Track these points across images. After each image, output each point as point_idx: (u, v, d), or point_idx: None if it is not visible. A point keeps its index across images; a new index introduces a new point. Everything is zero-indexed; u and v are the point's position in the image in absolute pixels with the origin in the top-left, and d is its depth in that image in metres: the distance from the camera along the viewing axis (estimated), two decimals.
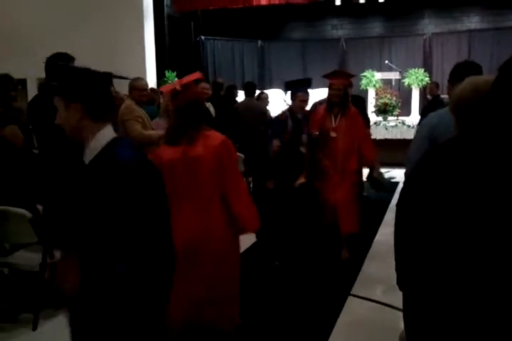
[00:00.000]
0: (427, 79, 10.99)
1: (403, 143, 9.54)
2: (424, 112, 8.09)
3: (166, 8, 10.99)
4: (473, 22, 12.59)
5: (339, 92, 4.54)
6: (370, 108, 10.45)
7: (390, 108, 10.43)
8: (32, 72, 4.78)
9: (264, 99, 7.98)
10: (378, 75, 11.19)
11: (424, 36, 12.84)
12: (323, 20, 13.73)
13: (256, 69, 13.87)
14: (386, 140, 9.63)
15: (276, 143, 4.49)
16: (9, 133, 3.55)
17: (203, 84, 5.54)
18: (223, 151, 2.86)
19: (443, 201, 1.09)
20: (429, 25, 12.99)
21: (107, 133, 1.83)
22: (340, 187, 4.58)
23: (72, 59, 3.69)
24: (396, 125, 9.97)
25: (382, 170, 9.02)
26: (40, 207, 3.67)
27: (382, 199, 6.92)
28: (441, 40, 12.75)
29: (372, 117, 9.93)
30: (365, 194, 6.66)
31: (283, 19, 13.55)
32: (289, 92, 5.24)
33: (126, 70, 4.96)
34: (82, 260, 1.82)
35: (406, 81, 11.14)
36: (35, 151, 3.99)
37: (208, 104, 5.33)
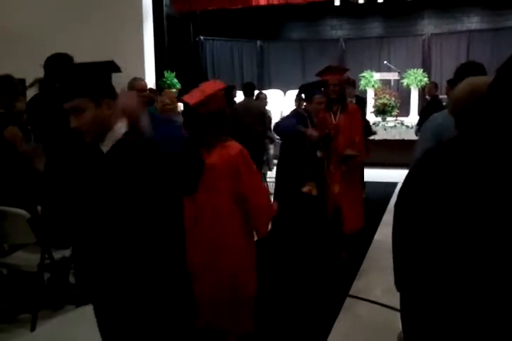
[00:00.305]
0: (426, 79, 10.99)
1: (402, 143, 9.56)
2: (423, 113, 8.09)
3: (165, 8, 10.98)
4: (472, 22, 12.60)
5: (335, 88, 4.51)
6: (369, 108, 10.45)
7: (389, 108, 10.43)
8: (31, 72, 4.76)
9: (262, 100, 7.98)
10: (377, 76, 11.20)
11: (424, 36, 12.85)
12: (323, 21, 13.75)
13: (255, 69, 13.88)
14: (385, 140, 9.64)
15: (311, 131, 4.28)
16: (10, 134, 3.55)
17: None
18: (239, 161, 2.90)
19: (441, 202, 1.09)
20: (429, 26, 13.00)
21: (123, 125, 1.87)
22: (342, 185, 4.55)
23: (71, 59, 3.68)
24: (395, 125, 9.98)
25: (379, 170, 9.05)
26: (39, 208, 3.67)
27: (381, 200, 6.93)
28: (441, 40, 12.77)
29: (371, 118, 9.93)
30: (364, 196, 6.64)
31: (282, 19, 13.56)
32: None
33: (125, 70, 4.95)
34: (100, 252, 1.85)
35: (405, 81, 11.14)
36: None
37: None
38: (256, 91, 7.65)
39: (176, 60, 11.38)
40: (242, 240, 3.00)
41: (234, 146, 2.93)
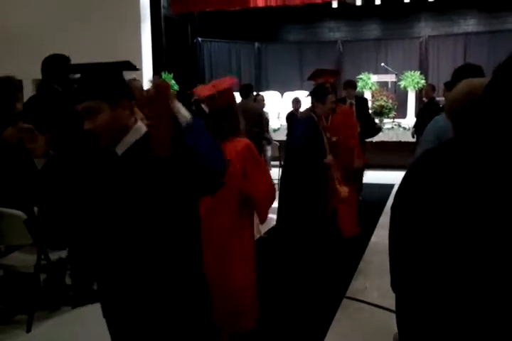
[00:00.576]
0: (423, 81, 11.03)
1: (399, 145, 9.58)
2: (419, 115, 8.10)
3: (162, 9, 10.98)
4: (469, 25, 12.64)
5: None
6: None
7: (386, 110, 10.46)
8: (31, 72, 4.76)
9: (260, 101, 7.99)
10: (374, 78, 11.22)
11: (421, 39, 12.88)
12: (320, 23, 13.77)
13: (253, 71, 13.89)
14: (382, 142, 9.66)
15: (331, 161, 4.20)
16: (9, 134, 3.54)
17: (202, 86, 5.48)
18: (246, 155, 2.92)
19: (437, 204, 1.09)
20: (426, 28, 13.03)
21: (142, 125, 1.79)
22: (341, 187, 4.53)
23: (68, 60, 3.68)
24: (392, 127, 10.01)
25: (376, 172, 9.05)
26: (35, 209, 3.66)
27: (377, 202, 6.93)
28: (438, 42, 12.80)
29: None
30: (360, 198, 6.65)
31: (280, 21, 13.57)
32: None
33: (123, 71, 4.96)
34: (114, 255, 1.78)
35: (402, 83, 11.17)
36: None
37: (205, 106, 5.32)
38: (253, 93, 7.66)
39: (174, 62, 11.38)
40: (245, 232, 3.03)
41: (241, 142, 2.95)
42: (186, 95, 6.65)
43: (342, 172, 4.42)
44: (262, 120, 7.20)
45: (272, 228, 6.01)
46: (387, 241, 1.36)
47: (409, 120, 10.39)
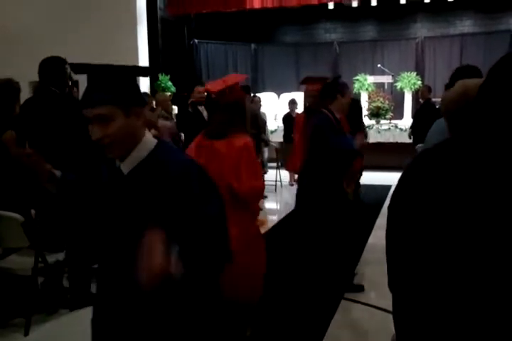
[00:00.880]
0: (420, 82, 11.05)
1: (396, 146, 9.60)
2: (416, 116, 8.12)
3: (159, 11, 10.98)
4: (465, 26, 12.68)
5: (311, 98, 4.66)
6: (363, 111, 10.48)
7: (383, 111, 10.48)
8: (26, 74, 4.75)
9: (257, 103, 8.00)
10: (371, 79, 11.24)
11: (417, 40, 12.92)
12: (316, 24, 13.79)
13: (249, 72, 13.89)
14: (379, 143, 9.68)
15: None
16: (8, 137, 3.53)
17: (199, 88, 5.43)
18: (243, 153, 2.93)
19: (433, 204, 1.09)
20: (422, 29, 13.07)
21: (150, 137, 1.64)
22: None
23: (65, 62, 3.67)
24: (389, 128, 10.02)
25: (373, 173, 9.05)
26: (32, 212, 3.65)
27: (375, 203, 6.94)
28: (434, 43, 12.84)
29: (365, 121, 9.97)
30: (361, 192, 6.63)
31: (276, 23, 13.59)
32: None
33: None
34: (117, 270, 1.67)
35: (398, 84, 11.19)
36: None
37: (201, 108, 5.31)
38: (250, 94, 7.67)
39: (170, 63, 11.38)
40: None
41: (242, 139, 2.95)
42: (183, 97, 6.64)
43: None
44: (259, 121, 7.21)
45: (273, 227, 6.03)
46: (384, 242, 1.37)
47: (406, 121, 10.42)
